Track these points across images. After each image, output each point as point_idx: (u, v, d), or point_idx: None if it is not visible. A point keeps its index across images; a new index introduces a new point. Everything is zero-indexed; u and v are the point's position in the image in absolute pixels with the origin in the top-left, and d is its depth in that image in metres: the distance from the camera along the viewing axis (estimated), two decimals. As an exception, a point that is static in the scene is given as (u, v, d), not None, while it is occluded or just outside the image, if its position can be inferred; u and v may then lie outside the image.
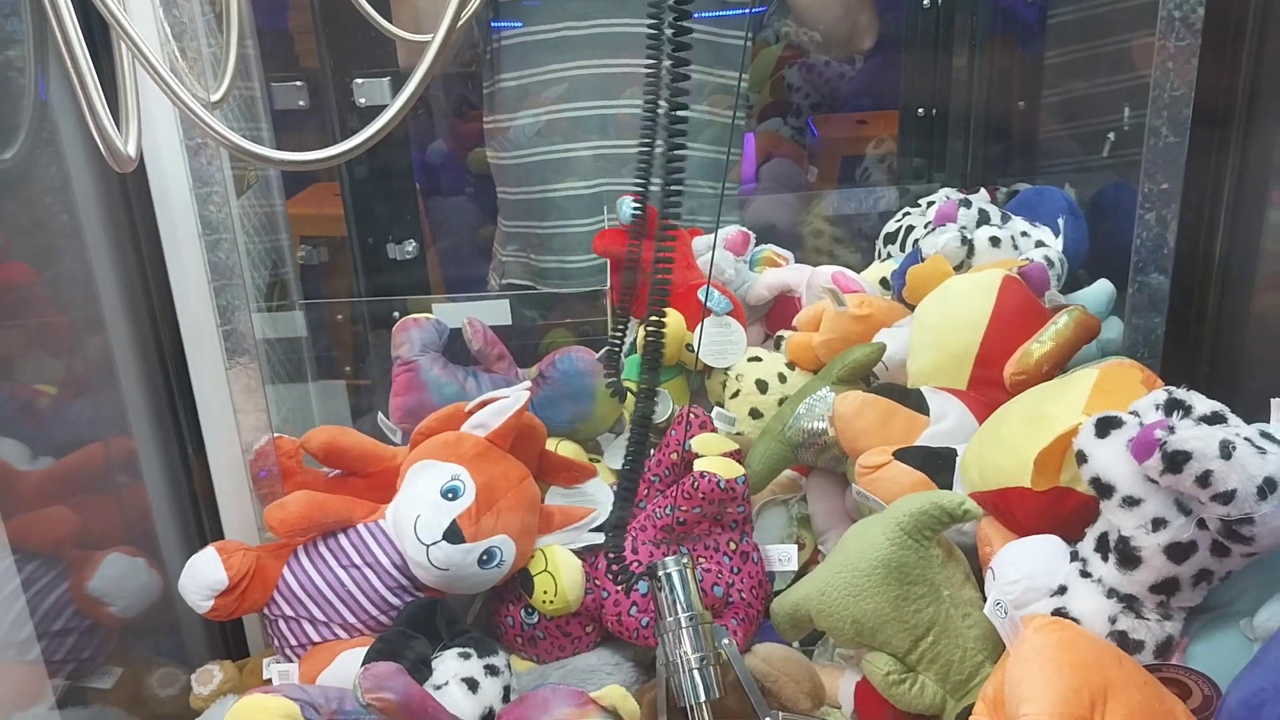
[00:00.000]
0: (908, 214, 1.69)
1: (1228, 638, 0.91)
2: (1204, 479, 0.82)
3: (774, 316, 1.67)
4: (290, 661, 1.07)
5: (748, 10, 1.87)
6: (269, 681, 1.06)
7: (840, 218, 1.97)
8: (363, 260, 1.84)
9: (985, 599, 1.00)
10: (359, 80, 1.74)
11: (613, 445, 1.44)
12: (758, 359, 1.48)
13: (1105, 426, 0.89)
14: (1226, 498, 0.82)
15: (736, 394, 1.46)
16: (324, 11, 1.73)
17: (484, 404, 1.13)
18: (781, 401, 1.40)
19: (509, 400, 1.11)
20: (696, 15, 1.68)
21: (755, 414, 1.44)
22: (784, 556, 1.18)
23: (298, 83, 1.74)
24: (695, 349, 1.48)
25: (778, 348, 1.53)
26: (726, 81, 1.83)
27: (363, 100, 1.76)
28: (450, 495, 1.05)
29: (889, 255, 1.68)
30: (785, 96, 2.32)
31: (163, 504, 1.15)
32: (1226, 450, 0.82)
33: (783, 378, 1.45)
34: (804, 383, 1.40)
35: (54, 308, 1.09)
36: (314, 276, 1.96)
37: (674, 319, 1.49)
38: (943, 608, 0.99)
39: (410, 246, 1.85)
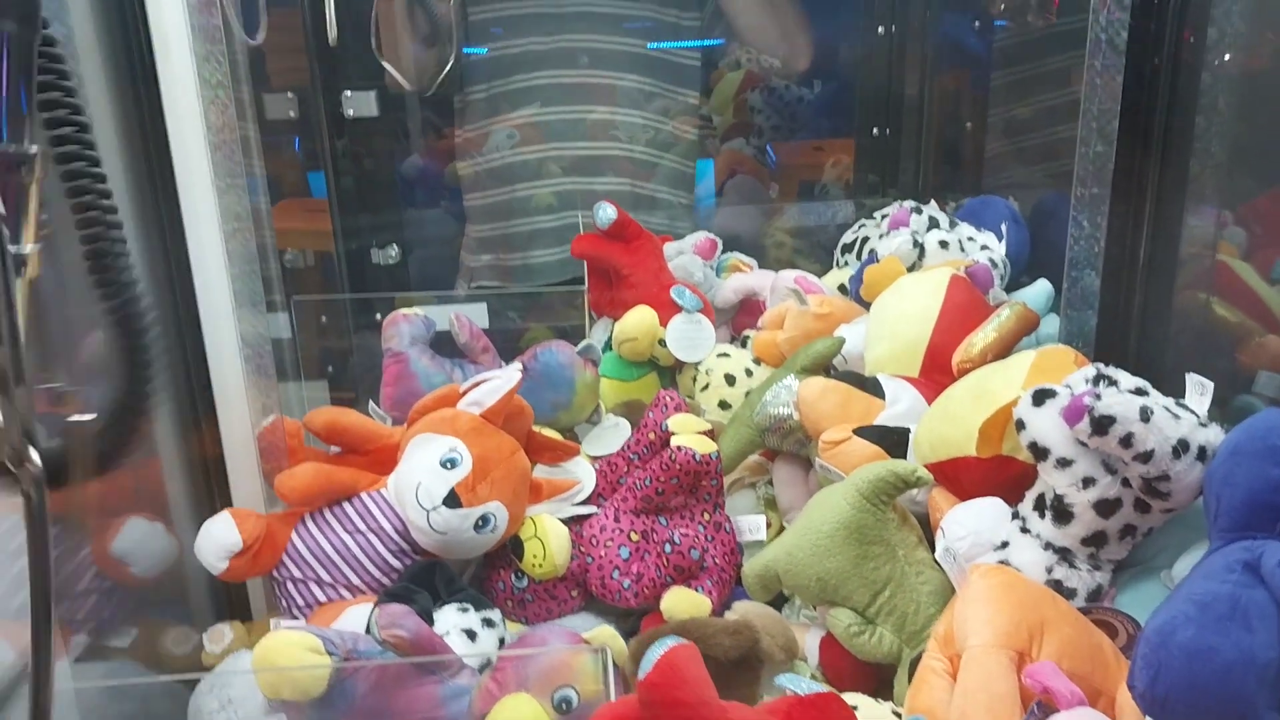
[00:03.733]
0: (863, 225, 1.81)
1: (1150, 589, 1.03)
2: (1126, 440, 0.93)
3: (740, 319, 1.78)
4: (297, 619, 1.15)
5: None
6: (276, 640, 1.14)
7: (800, 230, 2.10)
8: (347, 265, 1.93)
9: (936, 556, 1.11)
10: (348, 93, 1.83)
11: (590, 434, 1.54)
12: (726, 354, 1.59)
13: (1041, 397, 1.00)
14: (1146, 457, 0.94)
15: (706, 387, 1.56)
16: (314, 30, 1.82)
17: (477, 384, 1.22)
18: (749, 394, 1.51)
19: (502, 381, 1.20)
20: (657, 45, 1.86)
21: (724, 405, 1.54)
22: (753, 526, 1.28)
23: (288, 94, 1.82)
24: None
25: (744, 347, 1.64)
26: (690, 101, 1.97)
27: (350, 111, 1.86)
28: (449, 465, 1.14)
29: (846, 263, 1.81)
30: (748, 118, 2.43)
31: (175, 477, 1.23)
32: (1146, 415, 0.94)
33: (749, 372, 1.56)
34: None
35: (74, 296, 1.17)
36: (295, 285, 2.04)
37: (647, 316, 1.59)
38: (898, 565, 1.09)
39: (393, 251, 1.94)
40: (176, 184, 1.10)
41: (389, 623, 0.91)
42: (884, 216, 1.78)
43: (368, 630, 1.01)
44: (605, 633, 0.97)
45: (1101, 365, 1.04)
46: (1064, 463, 0.99)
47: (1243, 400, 1.19)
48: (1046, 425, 0.99)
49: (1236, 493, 0.91)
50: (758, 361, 1.58)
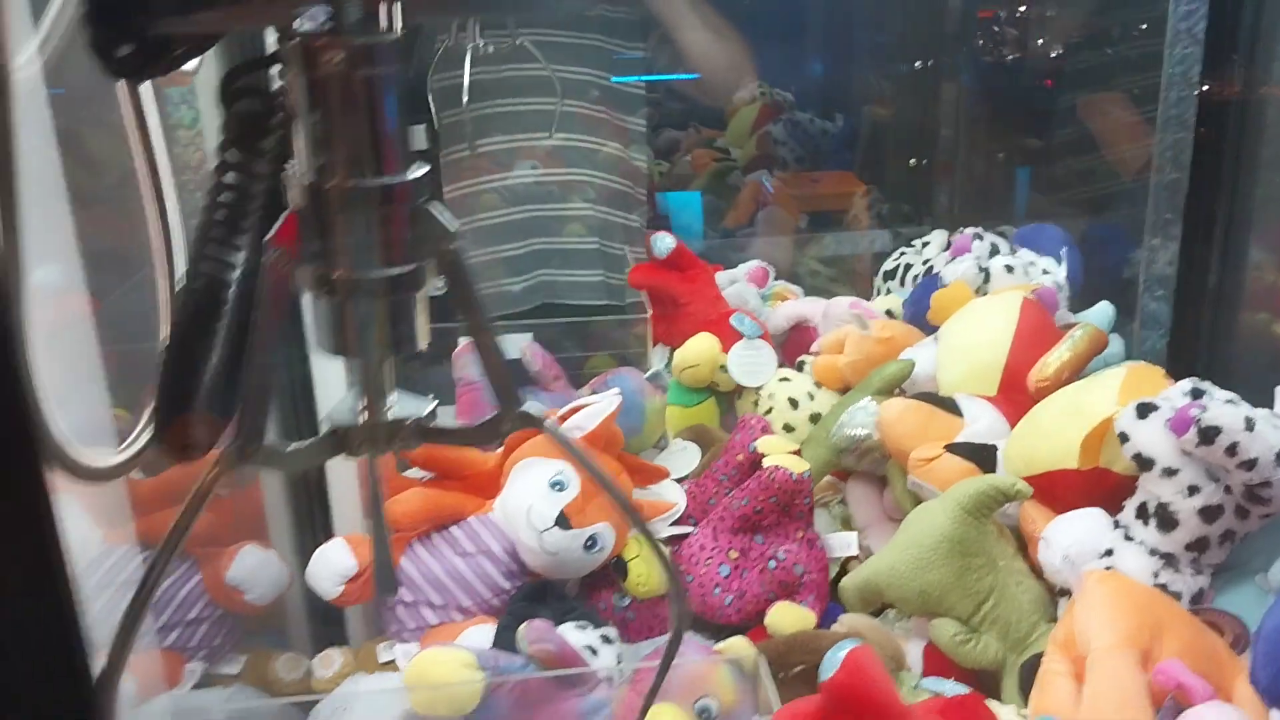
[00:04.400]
0: (904, 253, 1.87)
1: (1246, 591, 1.07)
2: (1232, 449, 0.98)
3: (790, 346, 1.82)
4: (406, 643, 1.17)
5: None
6: (386, 664, 1.16)
7: (833, 258, 2.15)
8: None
9: (1033, 570, 1.15)
10: (400, 126, 1.86)
11: (657, 459, 1.56)
12: (787, 379, 1.63)
13: (1144, 410, 1.05)
14: (1250, 464, 0.98)
15: (769, 411, 1.60)
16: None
17: (576, 409, 1.25)
18: (813, 417, 1.55)
19: (603, 404, 1.23)
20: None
21: (788, 429, 1.57)
22: (845, 544, 1.31)
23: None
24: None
25: (801, 372, 1.68)
26: (637, 128, 2.00)
27: (403, 145, 1.88)
28: (558, 487, 1.16)
29: (889, 290, 1.86)
30: (770, 150, 2.50)
31: (278, 504, 1.24)
32: (1250, 424, 0.98)
33: (811, 395, 1.60)
34: (831, 400, 1.56)
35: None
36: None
37: (709, 343, 1.63)
38: (999, 576, 1.13)
39: (440, 283, 1.97)
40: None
41: (537, 637, 0.94)
42: (924, 244, 1.84)
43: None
44: (739, 643, 1.00)
45: (1196, 380, 1.09)
46: (1170, 472, 1.03)
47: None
48: (1151, 437, 1.04)
49: (1338, 497, 0.96)
50: (818, 385, 1.62)
